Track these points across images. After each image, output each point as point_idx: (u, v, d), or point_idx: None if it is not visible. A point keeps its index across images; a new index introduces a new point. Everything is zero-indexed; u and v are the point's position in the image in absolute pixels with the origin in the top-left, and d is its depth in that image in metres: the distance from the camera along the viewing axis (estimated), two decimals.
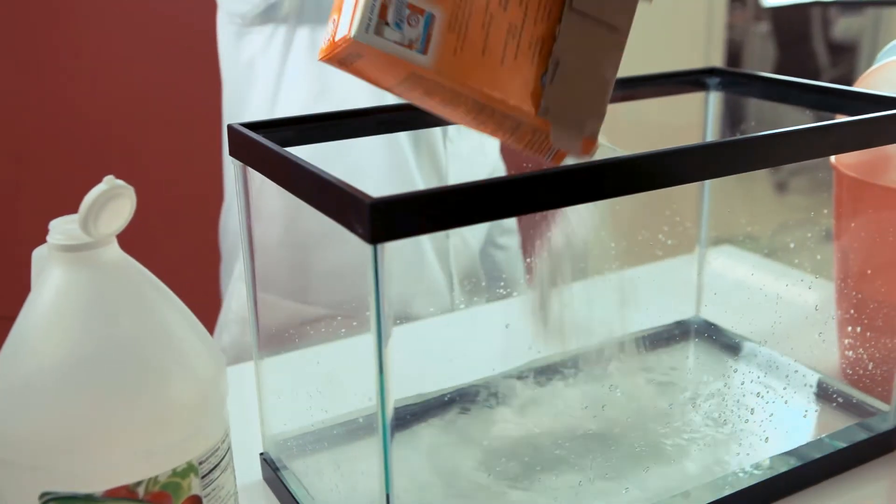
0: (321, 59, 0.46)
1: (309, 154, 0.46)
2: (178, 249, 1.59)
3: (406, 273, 0.89)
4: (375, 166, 0.89)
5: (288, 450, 0.58)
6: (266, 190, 0.51)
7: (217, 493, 0.43)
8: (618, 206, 0.53)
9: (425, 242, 0.93)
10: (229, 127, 0.52)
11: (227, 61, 0.97)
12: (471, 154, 0.98)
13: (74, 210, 0.40)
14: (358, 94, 0.83)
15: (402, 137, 0.90)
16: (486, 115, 0.48)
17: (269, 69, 0.91)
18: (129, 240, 0.45)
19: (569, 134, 0.47)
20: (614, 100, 0.67)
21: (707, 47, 2.22)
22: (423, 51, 0.44)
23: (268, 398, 0.57)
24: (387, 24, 0.43)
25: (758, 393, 0.63)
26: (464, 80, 0.45)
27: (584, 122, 0.49)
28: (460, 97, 0.46)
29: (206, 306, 0.61)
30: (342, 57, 0.45)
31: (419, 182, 0.91)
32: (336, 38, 0.45)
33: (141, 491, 0.39)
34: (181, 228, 1.67)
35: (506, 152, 1.03)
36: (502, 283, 1.02)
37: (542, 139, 0.48)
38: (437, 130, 0.92)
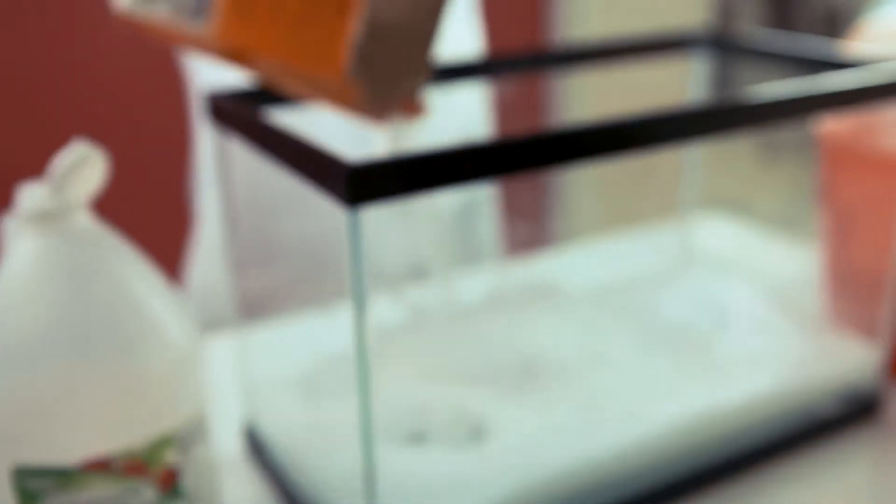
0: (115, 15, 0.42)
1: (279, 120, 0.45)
2: (143, 215, 1.55)
3: (382, 237, 0.88)
4: (347, 135, 0.87)
5: (270, 422, 0.57)
6: (236, 156, 0.50)
7: (195, 466, 0.42)
8: (603, 170, 0.52)
9: (400, 206, 0.92)
10: (207, 93, 0.50)
11: None
12: (455, 123, 0.96)
13: (29, 176, 0.39)
14: None
15: None
16: (289, 76, 0.41)
17: None
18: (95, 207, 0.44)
19: (381, 94, 0.40)
20: (602, 64, 0.65)
21: (696, 9, 2.20)
22: (198, 15, 0.39)
23: (249, 370, 0.56)
24: None
25: (740, 354, 0.63)
26: (247, 44, 0.39)
27: (399, 81, 0.42)
28: (254, 61, 0.40)
29: (174, 273, 0.60)
30: (121, 19, 0.41)
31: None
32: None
33: (115, 463, 0.39)
34: (145, 194, 1.63)
35: (496, 122, 1.02)
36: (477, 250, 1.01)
37: (356, 101, 0.42)
38: None
